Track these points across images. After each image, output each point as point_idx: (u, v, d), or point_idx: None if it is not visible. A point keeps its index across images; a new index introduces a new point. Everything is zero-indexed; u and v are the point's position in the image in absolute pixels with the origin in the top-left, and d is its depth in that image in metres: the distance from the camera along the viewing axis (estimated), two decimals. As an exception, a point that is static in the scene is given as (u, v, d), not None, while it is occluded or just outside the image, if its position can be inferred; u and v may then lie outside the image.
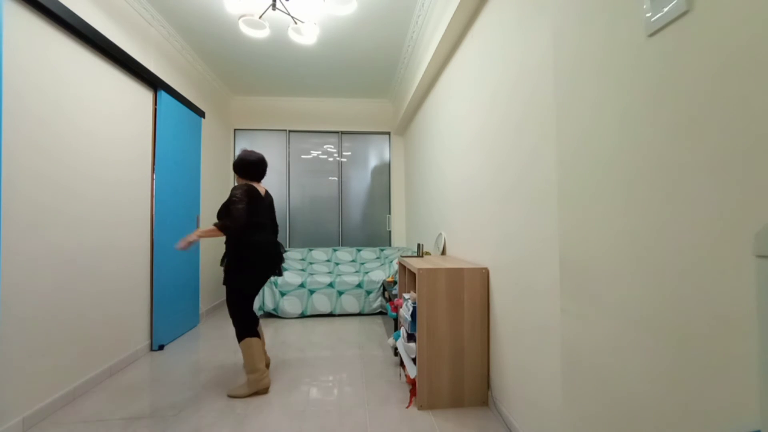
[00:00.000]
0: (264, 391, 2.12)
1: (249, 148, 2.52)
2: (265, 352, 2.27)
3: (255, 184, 2.21)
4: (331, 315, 3.89)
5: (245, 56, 3.68)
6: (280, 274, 2.34)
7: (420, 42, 3.11)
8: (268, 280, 2.42)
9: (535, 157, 1.50)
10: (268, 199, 2.29)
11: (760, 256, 0.51)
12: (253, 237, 2.10)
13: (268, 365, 2.30)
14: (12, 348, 1.68)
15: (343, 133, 5.01)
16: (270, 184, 4.85)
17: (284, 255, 2.36)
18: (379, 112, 5.01)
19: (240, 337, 2.11)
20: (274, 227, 2.35)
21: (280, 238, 2.46)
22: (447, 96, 2.79)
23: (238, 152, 2.46)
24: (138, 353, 2.67)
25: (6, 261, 1.65)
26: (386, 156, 5.10)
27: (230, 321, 3.61)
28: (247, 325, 2.13)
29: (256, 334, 2.14)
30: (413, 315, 1.99)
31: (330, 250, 4.66)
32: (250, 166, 2.21)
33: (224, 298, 4.35)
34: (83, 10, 2.17)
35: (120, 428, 1.78)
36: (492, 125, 1.92)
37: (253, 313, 2.20)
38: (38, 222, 1.84)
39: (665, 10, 0.68)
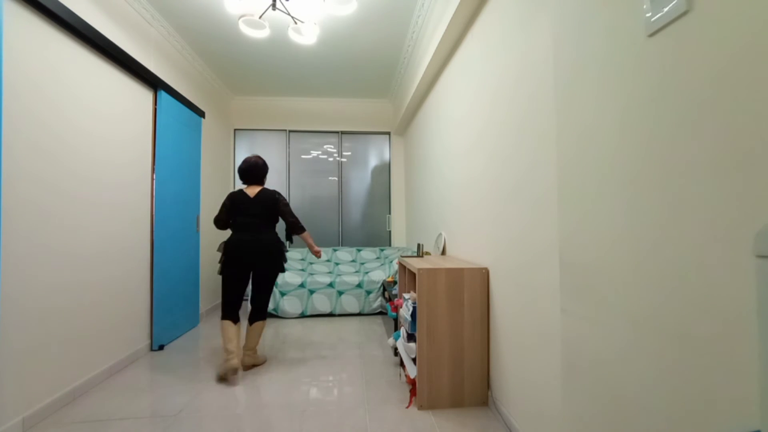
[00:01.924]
0: (226, 373, 2.25)
1: (253, 153, 2.75)
2: (236, 338, 2.36)
3: (245, 188, 2.54)
4: (331, 315, 3.89)
5: (245, 56, 3.68)
6: (262, 268, 2.45)
7: (420, 42, 3.11)
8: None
9: (536, 158, 1.49)
10: (257, 198, 2.48)
11: (760, 256, 0.51)
12: (229, 236, 2.48)
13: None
14: (12, 348, 1.68)
15: (343, 133, 5.01)
16: (270, 184, 4.82)
17: (271, 250, 2.46)
18: (379, 112, 5.01)
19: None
20: (258, 223, 2.46)
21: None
22: (447, 96, 2.79)
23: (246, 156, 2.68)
24: (138, 353, 2.67)
25: (6, 261, 1.65)
26: (386, 156, 5.10)
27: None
28: (222, 308, 2.43)
29: (226, 317, 2.38)
30: (413, 315, 1.99)
31: (330, 250, 4.66)
32: (239, 173, 2.58)
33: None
34: (83, 10, 2.17)
35: (120, 428, 1.78)
36: (493, 126, 1.92)
37: (229, 299, 2.42)
38: (38, 223, 1.84)
39: (665, 10, 0.68)
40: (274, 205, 2.50)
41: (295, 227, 2.56)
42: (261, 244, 2.43)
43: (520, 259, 1.64)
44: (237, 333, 2.37)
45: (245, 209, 2.46)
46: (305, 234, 2.60)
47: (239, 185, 4.85)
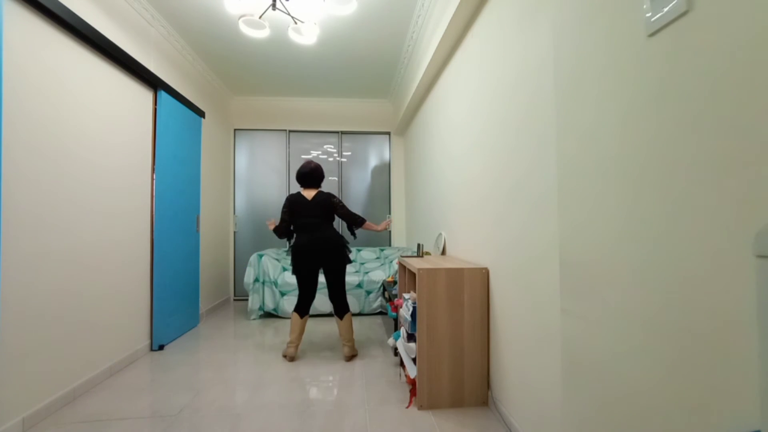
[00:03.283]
0: (287, 357, 2.62)
1: (308, 158, 3.01)
2: (297, 330, 2.66)
3: (303, 191, 2.72)
4: (331, 315, 3.89)
5: (245, 56, 3.68)
6: (329, 263, 2.64)
7: (420, 42, 3.11)
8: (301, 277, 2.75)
9: (537, 158, 1.49)
10: (314, 200, 2.67)
11: (760, 256, 0.51)
12: (294, 238, 2.72)
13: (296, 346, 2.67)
14: (12, 348, 1.68)
15: (343, 133, 5.01)
16: (270, 184, 4.87)
17: (335, 246, 2.64)
18: (379, 112, 5.01)
19: None
20: (319, 223, 2.66)
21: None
22: (447, 96, 2.79)
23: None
24: (138, 353, 2.67)
25: (6, 261, 1.65)
26: (386, 156, 5.10)
27: (229, 322, 3.67)
28: (297, 301, 2.70)
29: (296, 310, 2.66)
30: (413, 315, 1.99)
31: (330, 250, 4.65)
32: (297, 177, 2.75)
33: (223, 298, 4.51)
34: (83, 10, 2.17)
35: (120, 428, 1.78)
36: (493, 126, 1.92)
37: (302, 295, 2.69)
38: (38, 222, 1.84)
39: (665, 10, 0.68)
40: (331, 206, 2.68)
41: (354, 222, 2.74)
42: (326, 242, 2.62)
43: (520, 259, 1.64)
44: (300, 325, 2.65)
45: (306, 211, 2.65)
46: (366, 223, 2.78)
47: (239, 186, 4.86)
